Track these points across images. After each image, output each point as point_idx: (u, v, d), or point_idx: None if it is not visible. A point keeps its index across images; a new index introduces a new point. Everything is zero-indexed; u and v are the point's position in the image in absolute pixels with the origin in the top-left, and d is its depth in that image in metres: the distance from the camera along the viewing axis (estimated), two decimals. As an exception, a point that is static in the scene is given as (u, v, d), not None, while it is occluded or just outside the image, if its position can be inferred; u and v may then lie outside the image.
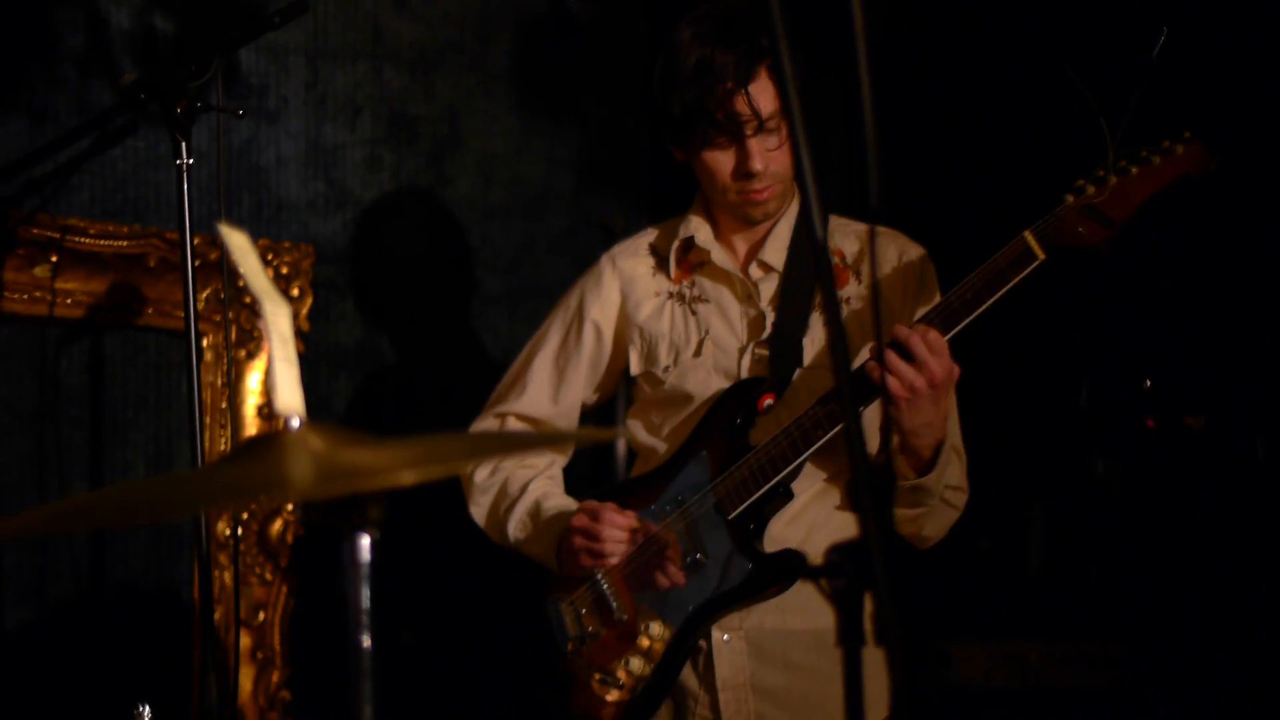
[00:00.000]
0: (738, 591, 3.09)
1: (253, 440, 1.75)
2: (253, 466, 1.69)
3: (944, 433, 3.01)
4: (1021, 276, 2.93)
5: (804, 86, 3.19)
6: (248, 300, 4.13)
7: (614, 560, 3.18)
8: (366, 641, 1.70)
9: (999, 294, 2.93)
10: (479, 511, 3.46)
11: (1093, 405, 3.88)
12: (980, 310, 2.93)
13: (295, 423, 1.71)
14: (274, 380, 1.71)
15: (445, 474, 1.63)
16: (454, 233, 4.74)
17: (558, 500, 3.37)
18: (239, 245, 1.78)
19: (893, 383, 2.87)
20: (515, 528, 3.38)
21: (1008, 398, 3.18)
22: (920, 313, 3.04)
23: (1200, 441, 3.73)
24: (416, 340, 4.67)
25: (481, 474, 3.45)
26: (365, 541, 1.70)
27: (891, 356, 2.88)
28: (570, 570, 3.25)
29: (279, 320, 1.73)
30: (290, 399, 1.71)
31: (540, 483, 3.42)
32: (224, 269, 3.80)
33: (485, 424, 3.54)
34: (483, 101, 4.81)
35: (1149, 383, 3.77)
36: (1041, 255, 2.92)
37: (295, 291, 4.28)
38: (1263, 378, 3.71)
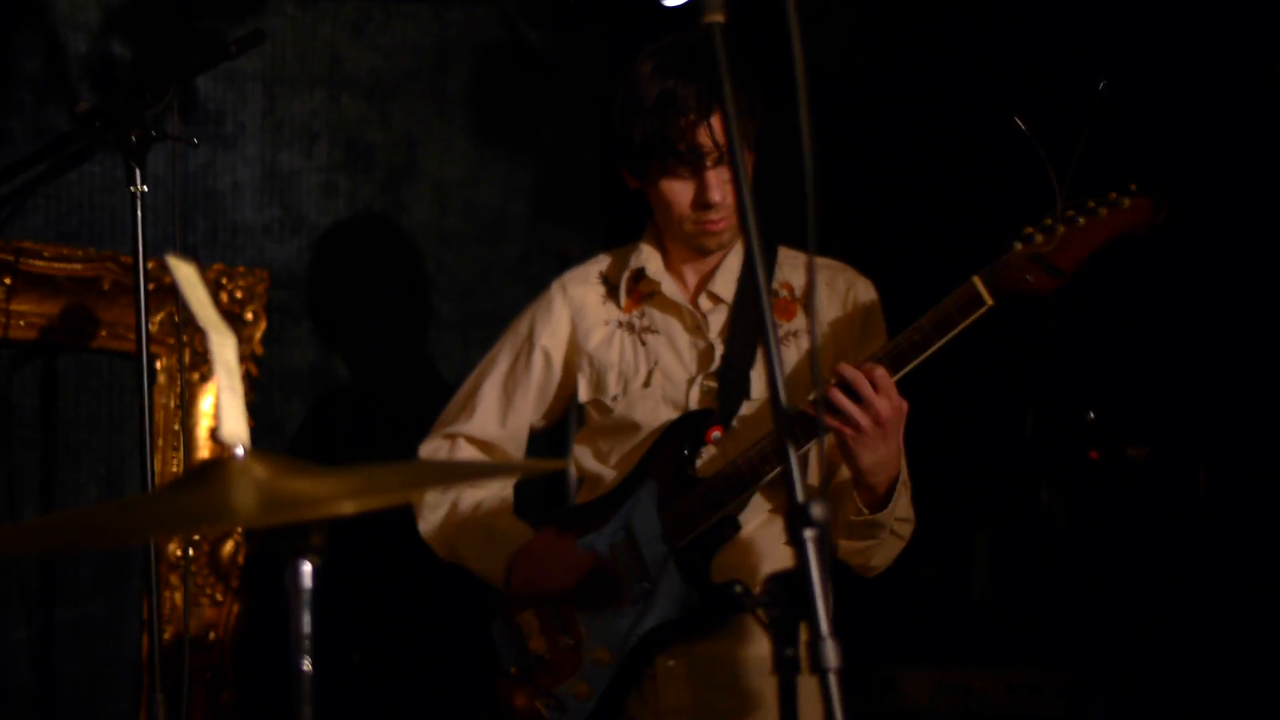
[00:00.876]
0: (682, 622, 3.12)
1: (197, 468, 1.78)
2: (198, 494, 1.71)
3: (898, 469, 3.03)
4: (969, 321, 2.97)
5: (763, 116, 3.26)
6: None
7: (563, 587, 3.20)
8: (308, 666, 1.73)
9: (947, 337, 2.98)
10: (427, 528, 3.47)
11: (1037, 436, 3.93)
12: (929, 352, 2.98)
13: (240, 451, 1.73)
14: (219, 409, 1.74)
15: (386, 504, 1.66)
16: (409, 259, 4.77)
17: (508, 520, 3.39)
18: (186, 276, 1.81)
19: (836, 421, 2.89)
20: (465, 546, 3.39)
21: (954, 427, 3.21)
22: (868, 349, 3.08)
23: (1143, 472, 3.79)
24: (371, 365, 4.68)
25: (432, 491, 3.47)
26: (307, 568, 1.73)
27: (836, 394, 2.90)
28: (519, 592, 3.28)
29: (225, 351, 1.76)
30: (235, 428, 1.74)
31: (491, 502, 3.44)
32: (178, 293, 3.81)
33: (434, 444, 3.55)
34: (439, 129, 4.83)
35: (1092, 414, 3.82)
36: (990, 301, 2.97)
37: (250, 315, 4.30)
38: (1204, 410, 3.76)
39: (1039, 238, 2.95)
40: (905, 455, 3.15)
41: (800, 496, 1.77)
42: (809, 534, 1.74)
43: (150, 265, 3.58)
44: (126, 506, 1.80)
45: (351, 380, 4.63)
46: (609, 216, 5.03)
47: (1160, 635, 3.71)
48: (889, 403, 2.90)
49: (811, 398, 2.98)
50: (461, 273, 4.84)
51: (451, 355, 4.77)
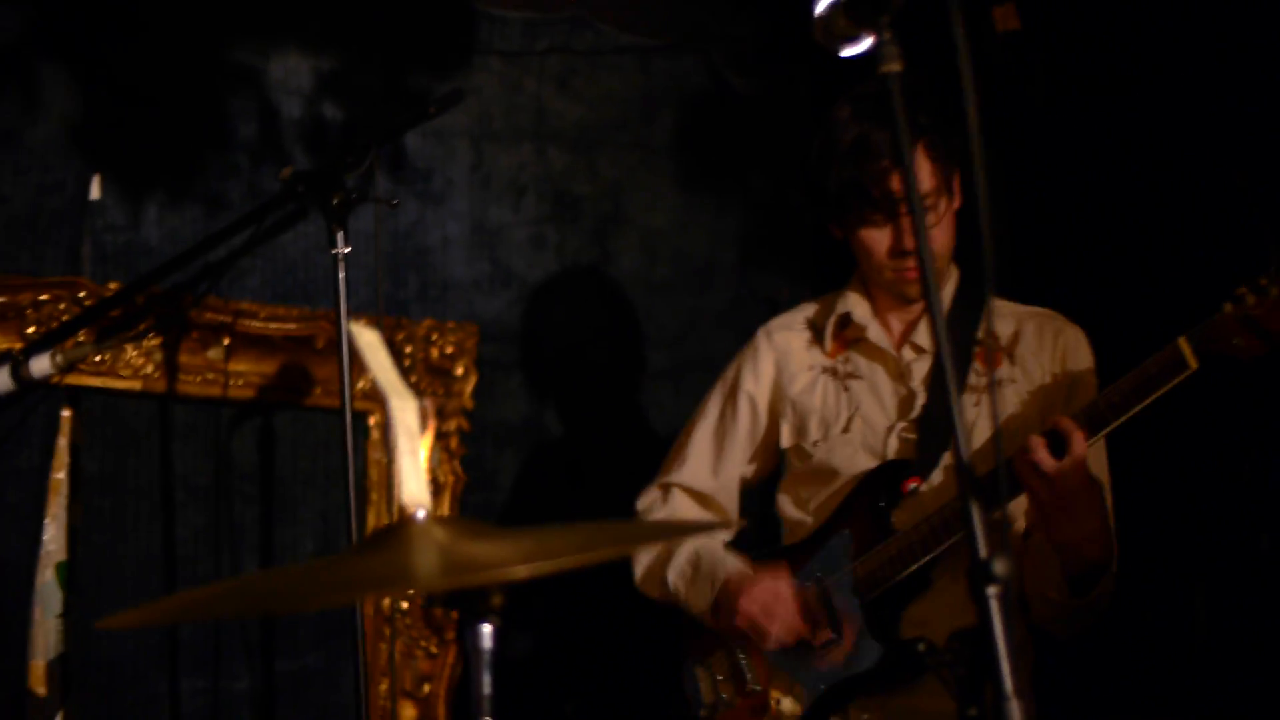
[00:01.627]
0: (868, 676, 3.08)
1: (379, 531, 1.80)
2: (380, 557, 1.73)
3: (1103, 551, 2.94)
4: (1172, 385, 2.86)
5: (961, 162, 3.22)
6: (413, 380, 4.21)
7: (773, 644, 3.17)
8: (491, 725, 1.74)
9: (1148, 400, 2.88)
10: (639, 567, 3.51)
11: (1257, 480, 3.79)
12: (1127, 415, 2.88)
13: (421, 514, 1.75)
14: (399, 473, 1.75)
15: (559, 569, 1.65)
16: (618, 309, 4.80)
17: (717, 553, 3.38)
18: (369, 342, 1.84)
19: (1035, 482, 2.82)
20: (674, 574, 3.40)
21: (1171, 473, 3.11)
22: (1077, 402, 3.00)
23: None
24: (582, 416, 4.71)
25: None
26: (487, 629, 1.74)
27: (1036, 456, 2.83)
28: (723, 628, 3.26)
29: (405, 415, 1.78)
30: (416, 491, 1.75)
31: (702, 539, 3.43)
32: (388, 351, 3.89)
33: (650, 496, 3.60)
34: (646, 178, 4.86)
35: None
36: (1194, 365, 2.85)
37: (460, 370, 4.36)
38: None
39: (1251, 299, 2.80)
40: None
41: (982, 553, 1.73)
42: (991, 591, 1.70)
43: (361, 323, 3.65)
44: (308, 571, 1.83)
45: (563, 432, 4.66)
46: (818, 261, 5.00)
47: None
48: (1073, 478, 2.82)
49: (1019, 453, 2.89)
50: (670, 321, 4.85)
51: (663, 404, 4.78)
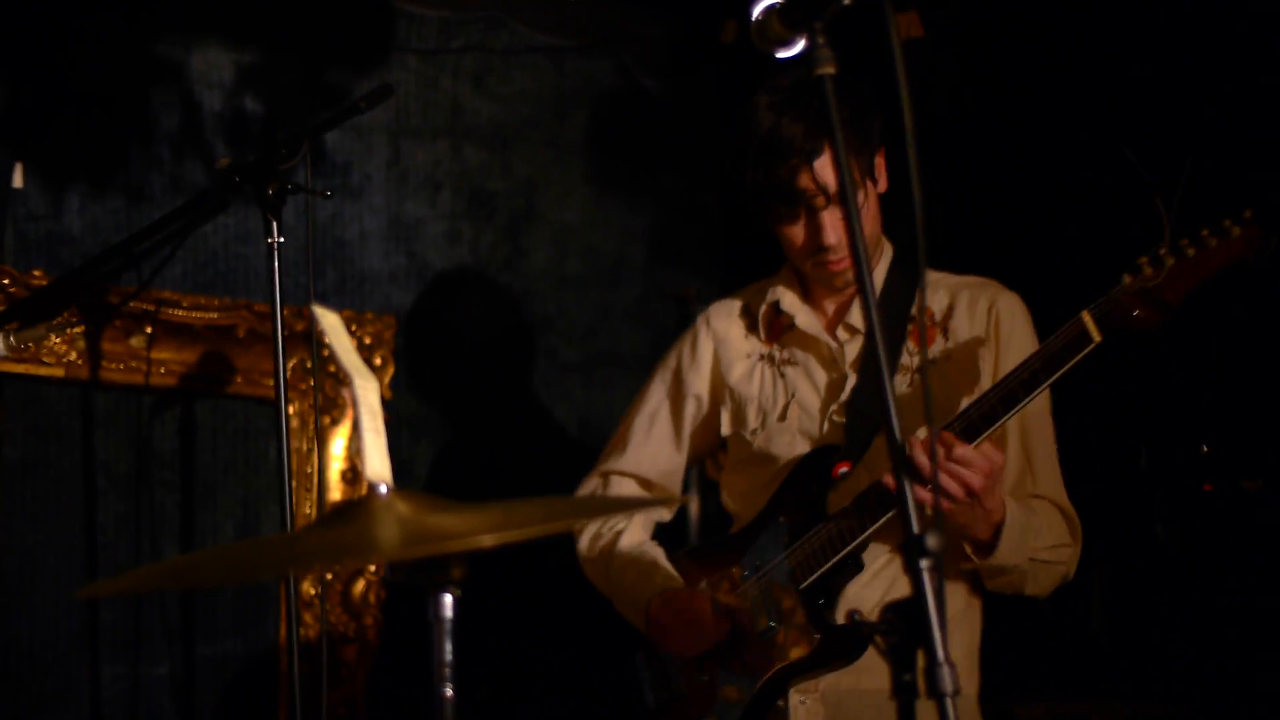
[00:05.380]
0: (807, 662, 3.12)
1: (343, 505, 1.88)
2: (345, 530, 1.81)
3: (1001, 515, 2.97)
4: (1078, 358, 2.91)
5: (889, 146, 3.27)
6: (331, 370, 4.27)
7: (694, 652, 3.24)
8: (450, 692, 1.82)
9: (1056, 375, 2.92)
10: (586, 547, 3.52)
11: (1152, 469, 3.92)
12: (1038, 392, 2.93)
13: (383, 489, 1.83)
14: (363, 450, 1.84)
15: (524, 538, 1.75)
16: (531, 303, 4.89)
17: (653, 565, 3.39)
18: (332, 324, 1.91)
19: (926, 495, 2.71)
20: (615, 582, 3.42)
21: (1068, 461, 3.22)
22: (1007, 368, 3.03)
23: (1257, 504, 3.77)
24: (496, 407, 4.79)
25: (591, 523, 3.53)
26: (448, 599, 1.83)
27: (943, 479, 2.85)
28: (655, 640, 3.31)
29: (368, 394, 1.86)
30: (379, 467, 1.84)
31: (642, 545, 3.46)
32: (313, 341, 3.95)
33: (591, 483, 3.60)
34: (558, 175, 4.97)
35: (1206, 447, 3.82)
36: (1098, 338, 2.90)
37: (378, 361, 4.42)
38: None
39: (1148, 270, 2.89)
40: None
41: (915, 528, 1.84)
42: (924, 564, 1.81)
43: (285, 313, 3.70)
44: (275, 542, 1.91)
45: (477, 422, 4.74)
46: (728, 259, 5.12)
47: (1276, 667, 3.70)
48: (977, 473, 2.86)
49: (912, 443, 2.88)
50: (582, 315, 4.96)
51: (573, 397, 4.88)
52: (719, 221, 5.14)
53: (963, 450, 2.87)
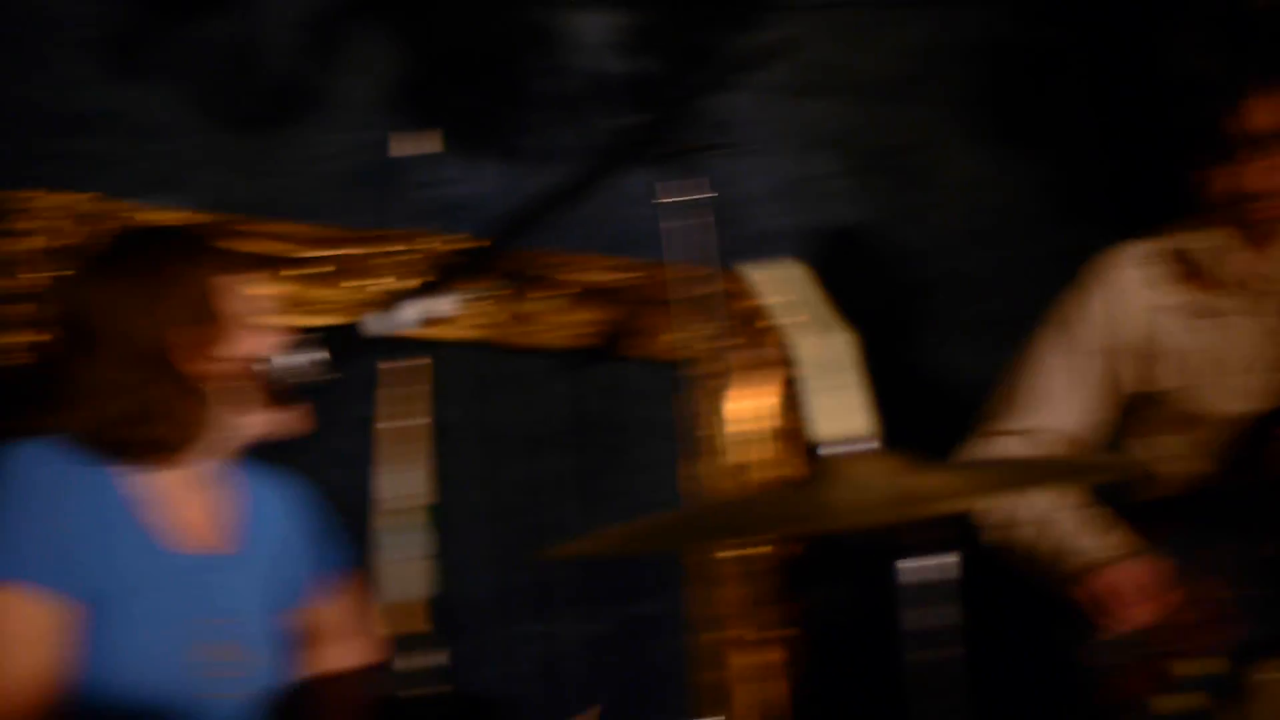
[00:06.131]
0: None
1: (821, 466, 1.81)
2: (824, 492, 1.75)
3: None
4: None
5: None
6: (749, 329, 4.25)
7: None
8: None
9: None
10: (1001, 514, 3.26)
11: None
12: None
13: (872, 445, 1.76)
14: (811, 408, 1.76)
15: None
16: (929, 261, 4.81)
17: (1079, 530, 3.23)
18: (796, 277, 1.86)
19: None
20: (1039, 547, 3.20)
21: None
22: None
23: None
24: (891, 369, 4.70)
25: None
26: (952, 560, 1.75)
27: None
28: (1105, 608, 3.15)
29: (849, 349, 1.80)
30: (858, 424, 1.77)
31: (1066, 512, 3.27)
32: (714, 302, 3.94)
33: (1002, 443, 3.36)
34: (955, 130, 4.87)
35: None
36: None
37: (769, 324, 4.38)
38: None
39: None
40: None
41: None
42: None
43: (685, 275, 3.69)
44: (757, 501, 1.87)
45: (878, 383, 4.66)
46: (1130, 210, 4.94)
47: None
48: None
49: None
50: (983, 272, 4.86)
51: (972, 356, 4.76)
52: (1120, 171, 4.96)
53: None
